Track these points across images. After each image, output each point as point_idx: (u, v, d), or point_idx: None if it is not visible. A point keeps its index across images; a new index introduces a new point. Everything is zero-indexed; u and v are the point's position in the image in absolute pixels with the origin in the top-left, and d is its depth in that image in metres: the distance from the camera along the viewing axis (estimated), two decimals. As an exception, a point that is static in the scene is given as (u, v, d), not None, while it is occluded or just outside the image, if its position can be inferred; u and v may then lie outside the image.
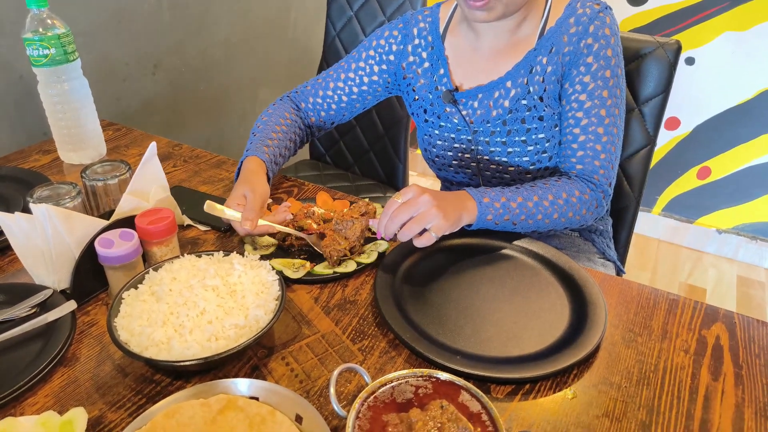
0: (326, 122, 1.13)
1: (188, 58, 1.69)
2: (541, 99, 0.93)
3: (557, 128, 0.95)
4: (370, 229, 0.91)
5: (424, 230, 0.78)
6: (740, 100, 1.99)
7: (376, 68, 1.06)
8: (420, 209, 0.77)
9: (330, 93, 1.09)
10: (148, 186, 0.85)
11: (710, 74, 2.01)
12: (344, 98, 1.09)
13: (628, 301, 0.80)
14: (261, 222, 0.83)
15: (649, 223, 2.35)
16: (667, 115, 2.14)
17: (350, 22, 1.58)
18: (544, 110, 0.93)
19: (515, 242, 0.89)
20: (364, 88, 1.08)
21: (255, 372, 0.67)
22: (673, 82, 1.14)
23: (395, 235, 0.79)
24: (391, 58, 1.05)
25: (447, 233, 0.79)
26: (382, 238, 0.81)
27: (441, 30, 1.01)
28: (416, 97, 1.04)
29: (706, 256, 2.27)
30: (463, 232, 0.87)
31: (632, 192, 1.18)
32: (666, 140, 2.18)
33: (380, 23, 1.54)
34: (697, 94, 2.06)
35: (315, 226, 0.88)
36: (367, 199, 0.88)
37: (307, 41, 2.11)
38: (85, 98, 1.10)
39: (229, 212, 0.83)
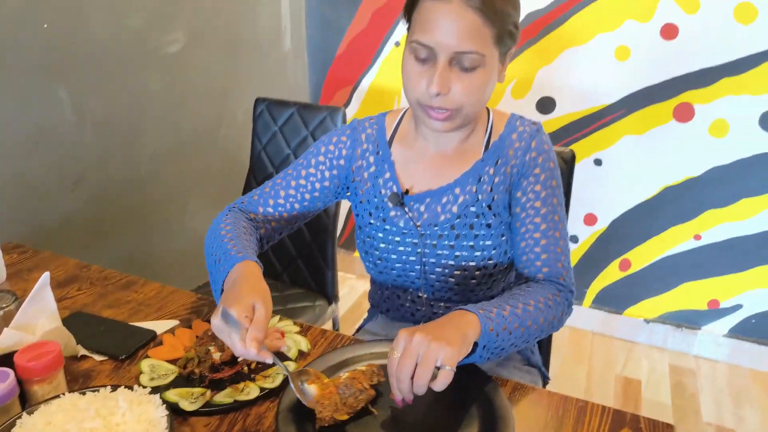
0: (275, 232, 1.07)
1: (113, 172, 1.68)
2: (489, 207, 0.97)
3: (504, 237, 0.98)
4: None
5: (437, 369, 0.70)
6: (647, 196, 2.15)
7: (327, 173, 1.06)
8: (419, 351, 0.70)
9: (282, 201, 1.05)
10: (36, 318, 0.80)
11: (617, 173, 2.17)
12: (296, 206, 1.06)
13: (539, 411, 0.79)
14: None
15: (581, 316, 2.40)
16: (584, 211, 2.28)
17: (275, 137, 1.64)
18: (492, 218, 0.97)
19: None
20: (316, 194, 1.06)
21: None
22: (572, 185, 1.22)
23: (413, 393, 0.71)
24: (342, 162, 1.06)
25: (461, 359, 0.72)
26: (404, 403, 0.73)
27: (387, 137, 1.05)
28: (362, 200, 1.05)
29: (638, 346, 2.31)
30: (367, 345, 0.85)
31: (547, 292, 1.22)
32: (587, 235, 2.30)
33: (303, 138, 1.60)
34: (608, 192, 2.21)
35: (217, 354, 0.84)
36: (377, 368, 0.79)
37: (237, 153, 2.16)
38: (-16, 223, 1.06)
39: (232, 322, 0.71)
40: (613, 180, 2.18)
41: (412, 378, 0.70)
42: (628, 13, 1.96)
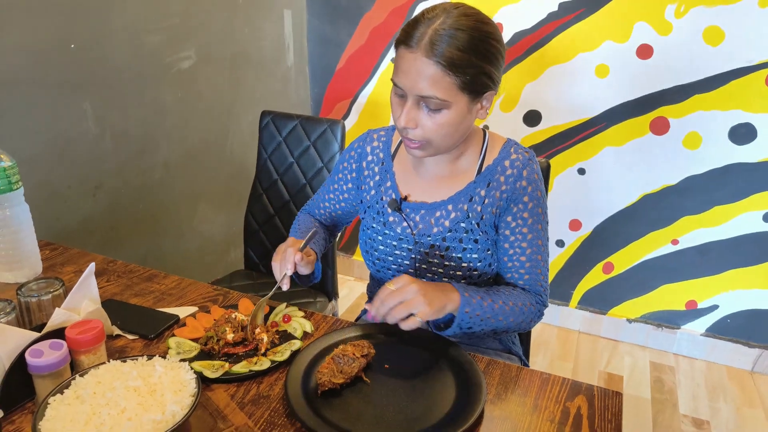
0: (337, 224, 1.35)
1: (129, 178, 1.83)
2: (477, 225, 1.09)
3: (489, 252, 1.10)
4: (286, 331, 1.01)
5: (411, 315, 0.91)
6: (627, 203, 2.29)
7: (344, 187, 1.25)
8: (407, 296, 0.90)
9: (322, 211, 1.31)
10: (81, 301, 0.94)
11: (599, 182, 2.31)
12: (333, 214, 1.30)
13: (508, 382, 0.93)
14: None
15: (567, 317, 2.54)
16: (569, 217, 2.42)
17: (279, 147, 1.78)
18: (480, 235, 1.09)
19: (414, 336, 1.02)
20: (343, 204, 1.27)
21: (171, 465, 0.73)
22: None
23: (384, 317, 0.92)
24: (353, 175, 1.23)
25: (431, 319, 0.93)
26: (379, 321, 0.94)
27: (392, 150, 1.19)
28: (368, 206, 1.20)
29: (621, 344, 2.44)
30: (367, 327, 0.99)
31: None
32: (572, 240, 2.44)
33: (306, 147, 1.75)
34: (591, 199, 2.35)
35: (231, 335, 0.97)
36: (369, 342, 0.95)
37: (244, 160, 2.30)
38: (25, 223, 1.19)
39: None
40: (595, 188, 2.33)
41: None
42: (607, 35, 2.11)
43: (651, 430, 1.94)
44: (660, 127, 2.15)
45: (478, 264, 1.10)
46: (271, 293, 1.05)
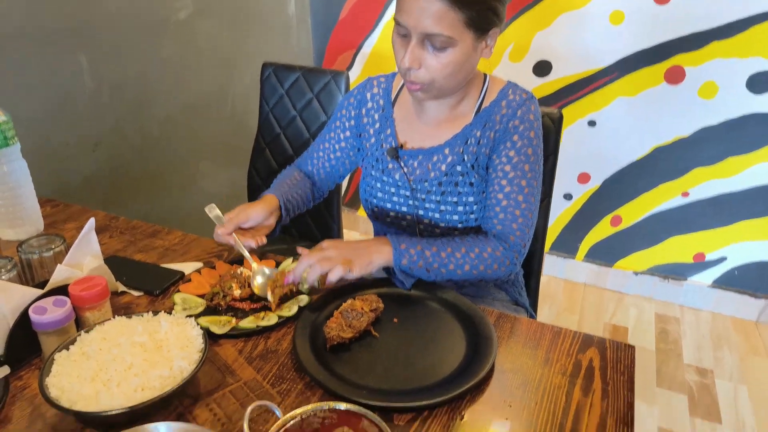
0: (327, 181, 1.29)
1: (128, 135, 1.79)
2: (472, 167, 1.06)
3: (484, 194, 1.08)
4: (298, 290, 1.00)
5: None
6: (638, 156, 2.24)
7: (342, 135, 1.21)
8: (321, 259, 0.92)
9: (315, 161, 1.27)
10: (83, 257, 0.92)
11: (610, 134, 2.26)
12: (327, 164, 1.25)
13: (519, 335, 0.91)
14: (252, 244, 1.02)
15: (574, 270, 2.53)
16: (578, 170, 2.37)
17: (282, 99, 1.73)
18: (474, 177, 1.07)
19: (423, 290, 1.00)
20: (338, 154, 1.23)
21: (181, 418, 0.73)
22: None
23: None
24: (352, 123, 1.20)
25: (355, 276, 0.93)
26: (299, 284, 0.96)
27: (392, 96, 1.16)
28: (367, 153, 1.18)
29: (627, 296, 2.45)
30: (377, 282, 0.98)
31: (536, 243, 1.33)
32: (580, 193, 2.40)
33: (309, 100, 1.69)
34: (601, 152, 2.30)
35: (238, 290, 0.96)
36: (377, 296, 0.93)
37: (244, 115, 2.25)
38: (24, 179, 1.17)
39: (213, 214, 1.04)
40: (606, 140, 2.27)
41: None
42: (622, -23, 2.01)
43: (655, 380, 1.96)
44: (675, 76, 2.08)
45: (474, 207, 1.08)
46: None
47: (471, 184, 1.07)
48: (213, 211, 1.05)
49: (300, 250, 0.97)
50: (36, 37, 1.45)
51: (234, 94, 2.19)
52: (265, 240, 1.04)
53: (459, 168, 1.07)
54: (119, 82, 1.71)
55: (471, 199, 1.07)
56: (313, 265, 0.91)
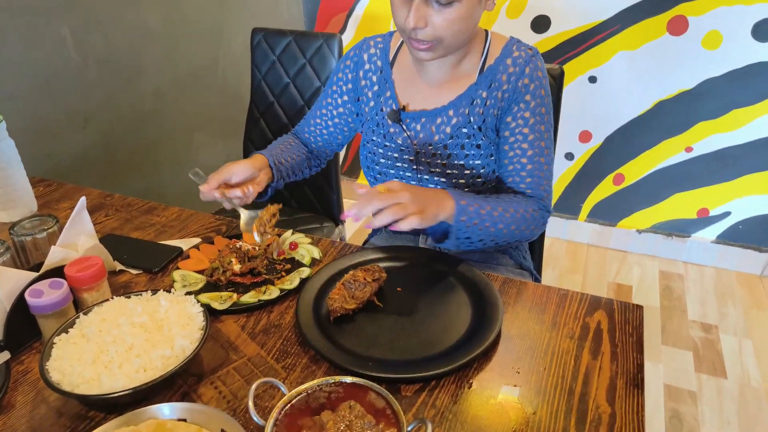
0: (324, 149, 1.26)
1: (119, 110, 1.74)
2: (479, 129, 1.03)
3: (492, 157, 1.04)
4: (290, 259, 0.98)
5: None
6: (640, 111, 2.19)
7: (339, 101, 1.17)
8: (399, 200, 0.83)
9: (312, 128, 1.23)
10: (77, 237, 0.90)
11: (611, 90, 2.20)
12: (325, 131, 1.22)
13: (525, 300, 0.90)
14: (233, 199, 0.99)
15: (577, 230, 2.51)
16: (579, 129, 2.33)
17: (273, 66, 1.68)
18: (482, 139, 1.03)
19: (426, 257, 0.99)
20: (336, 120, 1.19)
21: (185, 398, 0.72)
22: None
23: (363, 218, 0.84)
24: (349, 86, 1.15)
25: (423, 227, 0.85)
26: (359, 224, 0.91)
27: (390, 57, 1.11)
28: (367, 118, 1.13)
29: (630, 255, 2.44)
30: (378, 250, 0.95)
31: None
32: (582, 152, 2.36)
33: (302, 65, 1.64)
34: (603, 109, 2.25)
35: (237, 265, 0.94)
36: (380, 266, 0.91)
37: (237, 85, 2.19)
38: (13, 159, 1.13)
39: (196, 176, 1.02)
40: (607, 97, 2.22)
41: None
42: (623, -77, 1.93)
43: (660, 337, 1.97)
44: (678, 26, 2.01)
45: (482, 170, 1.05)
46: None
47: (478, 146, 1.03)
48: (197, 174, 1.02)
49: (360, 189, 0.87)
50: (13, 9, 1.39)
51: (224, 63, 2.13)
52: (251, 190, 1.01)
53: (465, 130, 1.03)
54: (105, 54, 1.65)
55: (478, 162, 1.04)
56: (386, 210, 0.82)
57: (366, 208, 0.82)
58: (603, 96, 2.23)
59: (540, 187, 1.04)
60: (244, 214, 1.01)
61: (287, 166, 1.14)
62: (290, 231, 1.07)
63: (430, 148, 1.06)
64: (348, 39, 2.54)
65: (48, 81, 1.50)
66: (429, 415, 0.69)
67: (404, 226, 0.82)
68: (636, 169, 2.31)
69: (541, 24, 2.20)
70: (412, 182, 1.10)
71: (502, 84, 1.01)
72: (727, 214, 2.26)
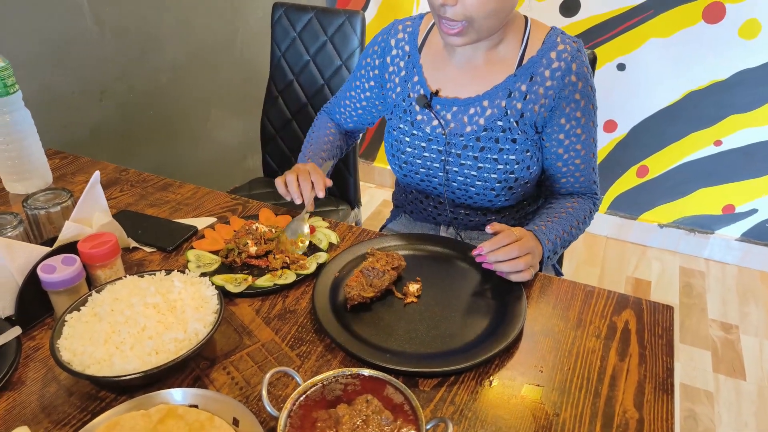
0: (357, 128, 1.26)
1: (135, 83, 1.71)
2: (516, 123, 0.98)
3: (528, 153, 1.00)
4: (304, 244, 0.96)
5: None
6: (669, 101, 2.12)
7: (367, 85, 1.14)
8: (523, 253, 0.85)
9: (342, 110, 1.22)
10: (91, 213, 0.88)
11: (640, 78, 2.13)
12: (353, 114, 1.21)
13: (549, 295, 0.87)
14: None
15: (596, 222, 2.46)
16: (604, 118, 2.26)
17: (294, 43, 1.64)
18: (518, 134, 0.98)
19: (447, 247, 0.95)
20: (364, 103, 1.17)
21: (197, 382, 0.71)
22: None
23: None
24: (376, 72, 1.11)
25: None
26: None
27: (419, 41, 1.06)
28: (394, 105, 1.09)
29: (650, 249, 2.38)
30: (398, 237, 0.93)
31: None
32: (606, 142, 2.30)
33: (323, 43, 1.60)
34: (630, 98, 2.18)
35: (254, 247, 0.92)
36: (397, 254, 0.89)
37: (255, 60, 2.15)
38: (28, 129, 1.11)
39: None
40: (635, 85, 2.15)
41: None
42: None
43: (678, 334, 1.93)
44: (714, 13, 1.93)
45: (516, 166, 1.00)
46: (303, 213, 0.99)
47: (514, 140, 0.99)
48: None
49: (493, 229, 0.88)
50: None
51: (243, 38, 2.09)
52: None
53: (500, 123, 0.98)
54: (122, 25, 1.62)
55: (513, 157, 0.99)
56: (516, 262, 0.84)
57: (497, 256, 0.84)
58: (631, 84, 2.15)
59: (592, 182, 1.06)
60: (298, 224, 0.98)
61: (328, 162, 1.15)
62: (307, 214, 1.04)
63: (461, 139, 1.01)
64: (370, 17, 2.48)
65: (64, 51, 1.47)
66: (447, 413, 0.67)
67: (517, 278, 0.85)
68: (661, 162, 2.25)
69: (570, 7, 2.12)
70: (439, 174, 1.05)
71: (545, 79, 0.96)
72: (753, 211, 2.19)
